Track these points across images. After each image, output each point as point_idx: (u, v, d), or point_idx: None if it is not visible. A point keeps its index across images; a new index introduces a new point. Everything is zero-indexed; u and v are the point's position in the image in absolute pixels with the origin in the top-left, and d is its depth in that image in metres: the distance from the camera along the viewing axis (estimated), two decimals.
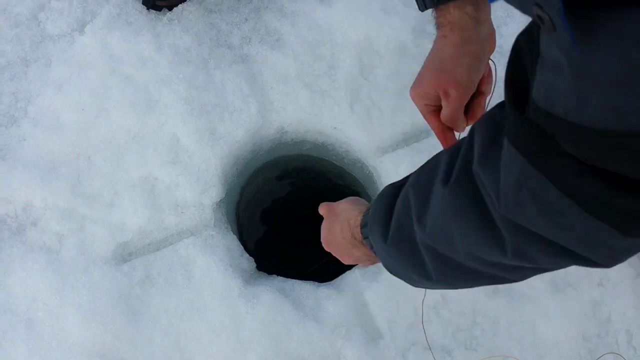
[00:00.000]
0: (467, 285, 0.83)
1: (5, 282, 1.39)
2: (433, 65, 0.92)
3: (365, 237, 0.87)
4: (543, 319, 1.34)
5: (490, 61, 0.94)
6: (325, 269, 1.54)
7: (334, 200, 1.36)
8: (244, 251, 1.48)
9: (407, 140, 1.52)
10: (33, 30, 1.65)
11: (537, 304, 1.35)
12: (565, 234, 0.56)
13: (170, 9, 1.65)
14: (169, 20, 1.64)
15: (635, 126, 0.40)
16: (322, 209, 1.05)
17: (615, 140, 0.42)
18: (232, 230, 1.50)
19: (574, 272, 1.41)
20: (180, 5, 1.66)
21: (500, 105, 0.62)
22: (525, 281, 1.35)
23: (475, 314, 1.38)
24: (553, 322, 1.34)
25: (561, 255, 0.59)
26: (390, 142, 1.52)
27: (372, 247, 0.86)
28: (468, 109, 0.94)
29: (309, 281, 1.45)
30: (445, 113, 0.93)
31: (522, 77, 0.55)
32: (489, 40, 0.93)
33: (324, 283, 1.45)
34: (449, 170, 0.67)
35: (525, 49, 0.57)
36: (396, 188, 0.81)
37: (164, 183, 1.47)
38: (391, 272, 0.87)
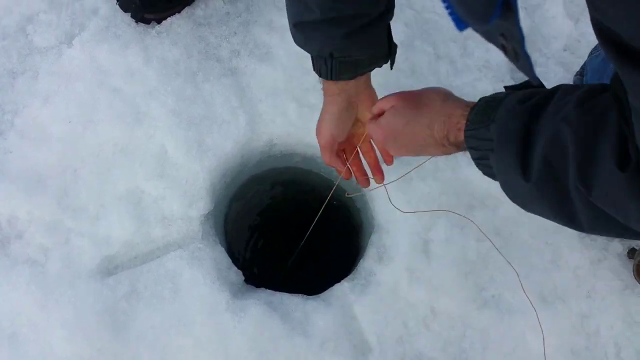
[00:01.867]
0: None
1: None
2: (318, 120, 1.17)
3: (470, 147, 0.84)
4: (532, 332, 1.34)
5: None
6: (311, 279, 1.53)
7: (325, 214, 1.36)
8: (232, 264, 1.47)
9: None
10: (21, 42, 1.64)
11: (527, 317, 1.35)
12: None
13: (159, 22, 1.66)
14: (157, 33, 1.64)
15: None
16: (398, 97, 0.99)
17: None
18: (220, 243, 1.49)
19: (563, 286, 1.42)
20: (169, 18, 1.66)
21: None
22: (514, 294, 1.36)
23: (464, 327, 1.38)
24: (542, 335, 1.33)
25: None
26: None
27: (479, 159, 0.84)
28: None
29: (297, 294, 1.44)
30: (321, 154, 1.19)
31: None
32: (360, 97, 1.13)
33: (312, 296, 1.44)
34: (622, 152, 0.63)
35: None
36: (529, 110, 0.75)
37: (151, 196, 1.46)
38: (515, 201, 0.83)
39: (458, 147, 0.89)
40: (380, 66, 1.11)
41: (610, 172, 0.64)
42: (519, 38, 0.39)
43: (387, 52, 1.10)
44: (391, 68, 1.14)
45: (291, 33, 1.08)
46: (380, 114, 1.05)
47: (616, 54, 0.52)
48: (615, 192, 0.64)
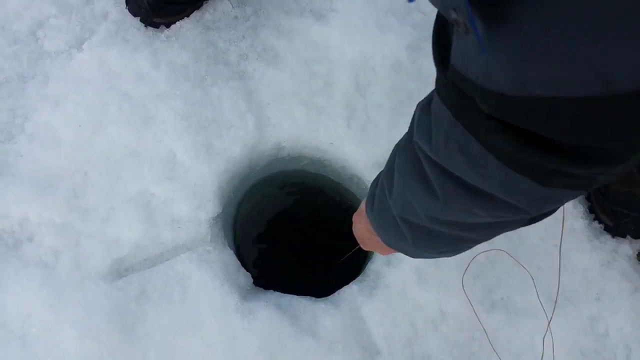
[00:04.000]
0: (444, 250, 0.85)
1: (0, 298, 1.37)
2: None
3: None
4: (541, 335, 1.34)
5: None
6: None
7: (332, 215, 1.36)
8: (241, 266, 1.48)
9: None
10: (31, 47, 1.66)
11: (536, 319, 1.35)
12: (490, 182, 0.60)
13: (168, 26, 1.67)
14: (166, 38, 1.65)
15: (534, 92, 0.45)
16: (355, 216, 1.13)
17: (521, 102, 0.47)
18: (228, 246, 1.50)
19: (572, 288, 1.41)
20: (178, 22, 1.67)
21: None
22: (522, 297, 1.35)
23: (473, 329, 1.38)
24: (551, 338, 1.33)
25: (490, 202, 0.63)
26: (386, 158, 1.51)
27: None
28: None
29: (306, 296, 1.44)
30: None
31: (446, 38, 0.59)
32: None
33: (321, 298, 1.45)
34: (400, 143, 0.79)
35: None
36: (376, 180, 0.93)
37: (160, 198, 1.47)
38: (390, 246, 0.95)
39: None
40: None
41: (395, 166, 0.78)
42: (464, 7, 0.41)
43: None
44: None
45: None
46: None
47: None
48: (397, 181, 0.78)
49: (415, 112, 0.71)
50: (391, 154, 0.86)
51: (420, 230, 0.79)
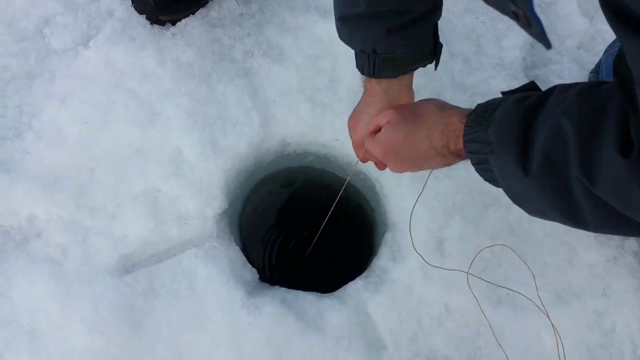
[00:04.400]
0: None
1: (9, 293, 1.39)
2: (353, 112, 1.18)
3: (470, 152, 0.84)
4: (547, 330, 1.34)
5: None
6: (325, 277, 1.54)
7: (338, 213, 1.36)
8: (247, 262, 1.48)
9: None
10: (38, 44, 1.67)
11: (541, 315, 1.35)
12: None
13: (173, 23, 1.67)
14: (172, 35, 1.66)
15: None
16: (393, 111, 1.00)
17: None
18: (234, 242, 1.50)
19: (578, 284, 1.41)
20: (183, 19, 1.67)
21: None
22: (528, 292, 1.36)
23: (479, 324, 1.38)
24: (557, 333, 1.33)
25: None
26: None
27: (479, 164, 0.84)
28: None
29: (311, 292, 1.45)
30: (352, 141, 1.22)
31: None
32: (399, 102, 1.11)
33: (327, 294, 1.45)
34: (624, 139, 0.63)
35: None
36: (527, 109, 0.76)
37: (167, 195, 1.48)
38: (516, 201, 0.83)
39: (459, 156, 0.89)
40: (424, 66, 1.09)
41: (612, 159, 0.63)
42: (528, 0, 0.40)
43: (432, 51, 1.08)
44: (435, 68, 1.12)
45: (336, 28, 1.08)
46: (377, 130, 1.06)
47: (618, 22, 0.53)
48: (617, 180, 0.64)
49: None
50: (578, 103, 0.70)
51: (613, 215, 0.69)
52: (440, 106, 0.94)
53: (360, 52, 1.05)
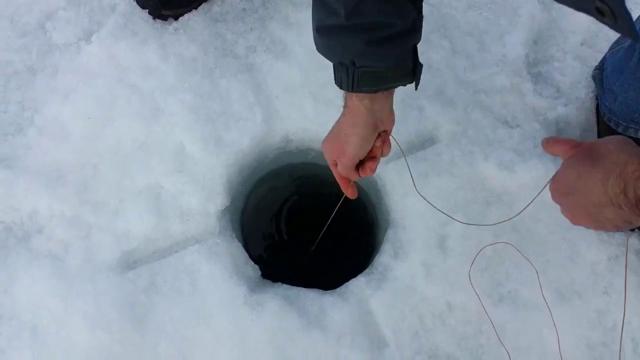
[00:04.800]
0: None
1: (11, 290, 1.39)
2: (333, 133, 1.16)
3: None
4: (549, 328, 1.34)
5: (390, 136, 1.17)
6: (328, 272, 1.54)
7: (340, 210, 1.36)
8: (249, 259, 1.49)
9: (412, 149, 1.53)
10: (40, 39, 1.67)
11: (543, 313, 1.35)
12: None
13: (176, 18, 1.67)
14: (175, 30, 1.65)
15: None
16: (573, 145, 0.87)
17: None
18: (236, 238, 1.50)
19: (580, 282, 1.41)
20: (186, 15, 1.67)
21: None
22: (530, 290, 1.36)
23: (480, 322, 1.38)
24: (558, 331, 1.33)
25: None
26: (394, 151, 1.52)
27: None
28: (361, 166, 1.17)
29: (313, 289, 1.45)
30: (338, 168, 1.18)
31: None
32: (384, 122, 1.11)
33: (329, 291, 1.45)
34: None
35: None
36: None
37: (170, 191, 1.48)
38: None
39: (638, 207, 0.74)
40: (404, 85, 1.07)
41: None
42: None
43: (411, 71, 1.06)
44: (416, 89, 1.11)
45: (314, 40, 1.06)
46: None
47: None
48: None
49: None
50: None
51: None
52: (623, 144, 0.80)
53: (339, 64, 1.03)
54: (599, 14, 0.45)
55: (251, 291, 1.40)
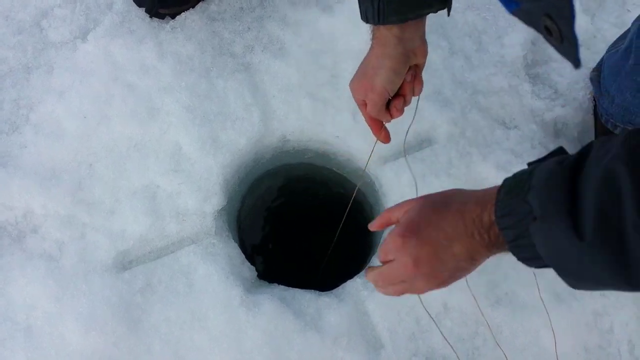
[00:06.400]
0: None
1: (5, 290, 1.38)
2: (361, 70, 1.08)
3: (505, 228, 0.72)
4: (546, 330, 1.34)
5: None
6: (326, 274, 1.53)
7: (336, 209, 1.35)
8: (245, 259, 1.48)
9: (409, 149, 1.52)
10: (35, 37, 1.65)
11: (540, 314, 1.34)
12: None
13: (173, 17, 1.66)
14: (171, 29, 1.64)
15: None
16: (417, 201, 0.86)
17: None
18: (233, 239, 1.50)
19: None
20: (183, 13, 1.66)
21: None
22: (527, 292, 1.35)
23: (477, 324, 1.37)
24: (555, 333, 1.33)
25: None
26: (392, 151, 1.52)
27: (516, 239, 0.71)
28: (390, 105, 1.10)
29: (310, 290, 1.44)
30: (368, 109, 1.10)
31: None
32: (416, 52, 1.05)
33: (325, 292, 1.45)
34: None
35: None
36: (570, 166, 0.67)
37: (166, 191, 1.47)
38: (567, 276, 0.70)
39: (490, 235, 0.76)
40: (435, 11, 0.98)
41: None
42: (569, 16, 0.36)
43: None
44: (448, 14, 1.02)
45: None
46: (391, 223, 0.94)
47: None
48: None
49: None
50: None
51: None
52: (463, 193, 0.83)
53: None
54: (547, 33, 0.44)
55: (247, 292, 1.39)
